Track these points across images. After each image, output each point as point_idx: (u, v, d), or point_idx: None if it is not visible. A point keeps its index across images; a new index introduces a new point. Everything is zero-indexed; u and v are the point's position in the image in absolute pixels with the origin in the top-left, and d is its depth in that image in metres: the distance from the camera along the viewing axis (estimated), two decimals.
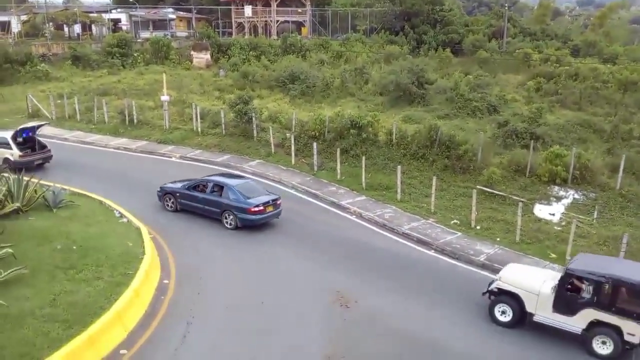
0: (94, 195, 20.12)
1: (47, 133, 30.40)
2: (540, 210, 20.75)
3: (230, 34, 67.66)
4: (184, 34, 67.40)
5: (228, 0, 69.88)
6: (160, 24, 67.91)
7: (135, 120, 31.94)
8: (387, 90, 38.00)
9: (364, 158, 23.27)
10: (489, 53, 52.39)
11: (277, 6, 66.27)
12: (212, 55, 52.73)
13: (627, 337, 12.01)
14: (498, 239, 18.23)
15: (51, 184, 19.55)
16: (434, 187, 20.55)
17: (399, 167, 22.00)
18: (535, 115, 29.71)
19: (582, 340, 12.49)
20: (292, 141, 26.05)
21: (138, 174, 24.18)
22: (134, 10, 68.59)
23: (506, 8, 65.76)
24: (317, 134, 26.94)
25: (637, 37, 71.57)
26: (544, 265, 16.29)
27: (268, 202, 18.74)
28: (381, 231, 18.95)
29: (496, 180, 22.29)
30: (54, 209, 17.77)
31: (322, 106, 35.34)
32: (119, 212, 18.53)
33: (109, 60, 49.00)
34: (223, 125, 29.75)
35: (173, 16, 70.12)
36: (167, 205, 20.05)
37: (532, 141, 25.05)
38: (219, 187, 19.16)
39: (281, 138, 27.85)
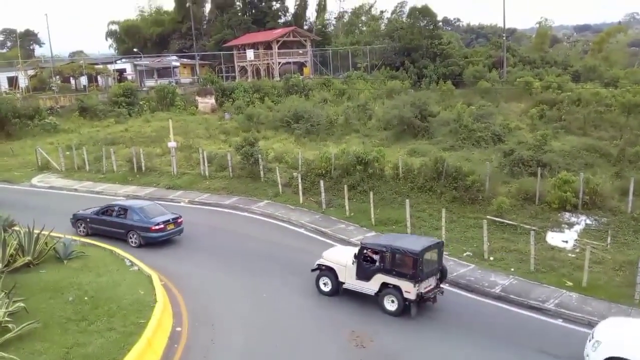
0: (104, 245, 20.16)
1: (57, 185, 30.75)
2: (553, 238, 20.54)
3: (234, 77, 68.85)
4: (188, 80, 68.67)
5: (230, 45, 71.38)
6: (164, 72, 69.26)
7: (143, 168, 32.25)
8: (390, 125, 38.30)
9: (371, 193, 23.26)
10: (490, 83, 52.89)
11: (279, 48, 67.57)
12: (216, 100, 53.54)
13: (405, 295, 14.97)
14: (512, 269, 18.00)
15: (61, 235, 19.64)
16: (443, 220, 20.44)
17: (407, 201, 21.95)
18: (541, 142, 29.75)
19: (372, 299, 15.55)
20: (299, 180, 26.15)
21: None
22: (138, 60, 70.12)
23: (504, 38, 66.70)
24: (323, 171, 27.06)
25: (637, 59, 72.10)
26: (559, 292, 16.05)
27: (168, 220, 20.92)
28: None
29: (506, 209, 22.17)
30: (64, 260, 17.77)
31: (327, 144, 35.61)
32: (129, 261, 18.51)
33: (115, 109, 49.79)
34: (230, 168, 29.97)
35: (177, 63, 71.56)
36: (80, 230, 22.05)
37: (539, 168, 24.99)
38: (124, 210, 21.34)
39: (288, 177, 27.98)
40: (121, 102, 50.61)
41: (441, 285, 15.92)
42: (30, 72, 65.73)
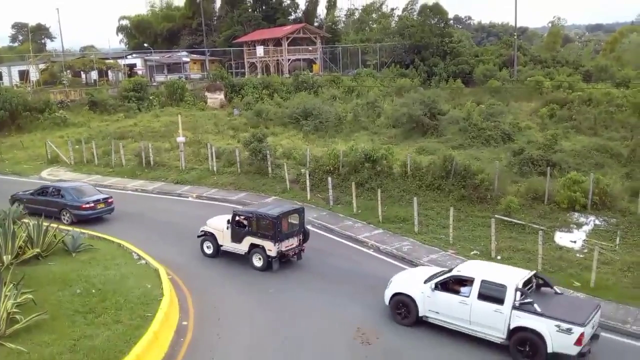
0: (112, 238, 20.27)
1: (66, 178, 30.92)
2: (561, 238, 20.39)
3: (243, 74, 68.95)
4: (198, 75, 68.84)
5: (240, 41, 71.44)
6: (174, 67, 69.49)
7: (152, 162, 32.38)
8: (399, 123, 38.20)
9: (379, 191, 23.21)
10: (500, 82, 52.60)
11: (289, 45, 67.56)
12: (225, 96, 53.64)
13: (268, 252, 17.89)
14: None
15: (70, 228, 19.75)
16: (451, 218, 20.37)
17: (415, 199, 21.88)
18: (551, 142, 29.55)
19: (244, 258, 18.48)
20: (307, 177, 26.14)
21: (155, 215, 24.36)
22: (148, 55, 70.38)
23: (515, 37, 66.28)
24: (331, 168, 27.03)
25: None
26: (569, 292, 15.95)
27: (99, 200, 23.20)
28: (400, 264, 18.72)
29: (514, 209, 22.04)
30: (73, 253, 17.89)
31: (335, 141, 35.58)
32: (137, 254, 18.60)
33: (125, 104, 50.07)
34: (238, 164, 30.02)
35: (187, 59, 71.76)
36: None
37: (549, 168, 24.82)
38: (57, 191, 23.49)
39: (296, 174, 27.98)
40: (131, 96, 50.85)
41: (303, 245, 18.91)
42: (42, 66, 66.16)
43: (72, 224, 22.20)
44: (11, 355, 11.57)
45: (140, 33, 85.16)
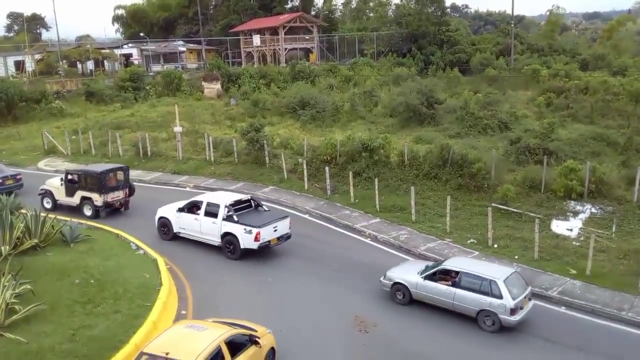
0: (110, 229, 20.30)
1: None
2: (558, 226, 20.52)
3: (240, 63, 68.67)
4: (194, 65, 68.54)
5: (237, 30, 71.08)
6: (170, 57, 69.13)
7: (149, 153, 32.33)
8: (397, 112, 38.17)
9: (376, 180, 23.25)
10: (497, 71, 52.52)
11: (285, 34, 67.26)
12: (222, 85, 53.44)
13: (96, 203, 21.90)
14: (516, 257, 18.02)
15: (67, 218, 19.78)
16: (448, 207, 20.44)
17: (412, 188, 21.94)
18: (547, 131, 29.60)
19: (79, 209, 22.10)
20: (305, 166, 26.15)
21: (153, 205, 24.29)
22: (145, 44, 69.96)
23: (512, 25, 66.11)
24: (329, 158, 27.03)
25: None
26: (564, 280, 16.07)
27: (7, 176, 25.22)
28: (397, 253, 18.83)
29: (511, 197, 22.13)
30: (71, 243, 17.93)
31: (332, 130, 35.55)
32: (135, 245, 18.64)
33: (121, 94, 49.82)
34: (235, 154, 30.01)
35: (183, 49, 71.39)
36: None
37: (546, 156, 24.90)
38: None
39: (293, 164, 27.99)
40: (127, 86, 50.62)
41: (129, 199, 22.96)
42: (37, 56, 65.75)
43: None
44: (11, 345, 11.65)
45: (136, 22, 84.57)
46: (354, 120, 38.98)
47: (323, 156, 27.27)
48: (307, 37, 69.75)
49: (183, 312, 14.54)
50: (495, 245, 18.88)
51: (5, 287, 12.93)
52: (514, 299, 13.50)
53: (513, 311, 13.41)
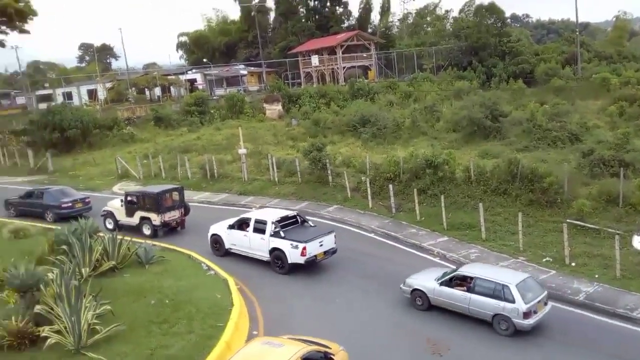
0: (182, 250, 20.90)
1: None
2: None
3: (300, 83, 69.64)
4: (255, 87, 70.11)
5: (295, 52, 72.31)
6: (233, 81, 71.05)
7: (215, 174, 33.19)
8: (460, 127, 37.52)
9: (442, 197, 22.81)
10: (564, 80, 50.71)
11: (343, 53, 67.75)
12: (283, 106, 54.33)
13: (154, 222, 22.83)
14: (596, 276, 17.12)
15: (142, 240, 20.51)
16: (520, 224, 19.75)
17: (480, 204, 21.37)
18: (622, 141, 28.16)
19: (138, 229, 23.29)
20: (368, 184, 26.06)
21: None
22: (208, 69, 72.32)
23: (578, 33, 63.83)
24: (392, 175, 26.81)
25: None
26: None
27: (76, 200, 26.82)
28: None
29: (587, 212, 21.12)
30: (146, 265, 18.54)
31: (394, 147, 35.33)
32: (206, 265, 19.08)
33: (188, 118, 51.59)
34: (299, 173, 30.31)
35: (244, 72, 73.25)
36: (10, 212, 27.55)
37: (622, 168, 23.65)
38: (41, 193, 27.01)
39: (356, 182, 27.94)
40: (193, 111, 52.36)
41: (184, 218, 24.04)
42: (108, 85, 69.28)
43: (55, 221, 25.36)
44: None
45: (198, 48, 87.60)
46: (416, 136, 38.60)
47: (386, 174, 27.08)
48: (364, 55, 69.97)
49: (254, 332, 14.66)
50: (573, 264, 18.03)
51: (87, 308, 13.46)
52: (526, 303, 13.67)
53: (526, 315, 13.63)
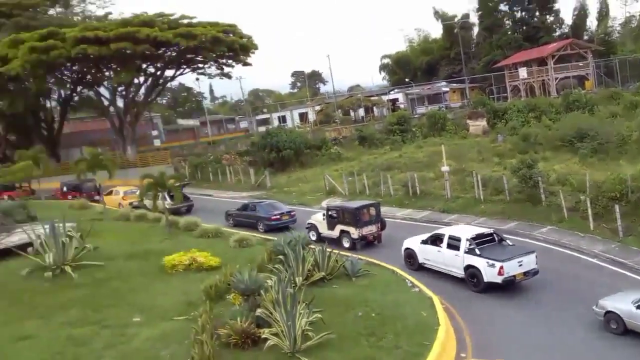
0: (386, 265, 21.14)
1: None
2: None
3: (505, 98, 66.53)
4: (458, 104, 68.92)
5: (500, 65, 69.38)
6: (434, 98, 70.84)
7: (417, 192, 33.14)
8: None
9: None
10: None
11: (555, 63, 63.03)
12: (488, 122, 52.29)
13: (352, 236, 24.07)
14: None
15: (349, 254, 21.27)
16: None
17: None
18: None
19: (338, 242, 24.10)
20: (589, 205, 23.52)
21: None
22: (409, 88, 73.15)
23: None
24: (618, 195, 23.83)
25: None
26: None
27: (283, 212, 29.20)
28: None
29: None
30: (352, 277, 19.10)
31: (620, 163, 31.47)
32: (410, 282, 19.00)
33: (390, 137, 52.74)
34: (506, 192, 28.70)
35: (446, 89, 72.55)
36: (229, 222, 30.31)
37: None
38: (255, 206, 29.95)
39: (574, 202, 25.43)
40: (395, 130, 53.40)
41: (381, 232, 24.82)
42: (317, 108, 74.25)
43: (265, 232, 27.75)
44: None
45: (400, 68, 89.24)
46: None
47: (610, 193, 24.16)
48: (580, 64, 64.18)
49: (462, 354, 14.12)
50: None
51: (301, 315, 14.26)
52: None
53: None
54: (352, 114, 73.44)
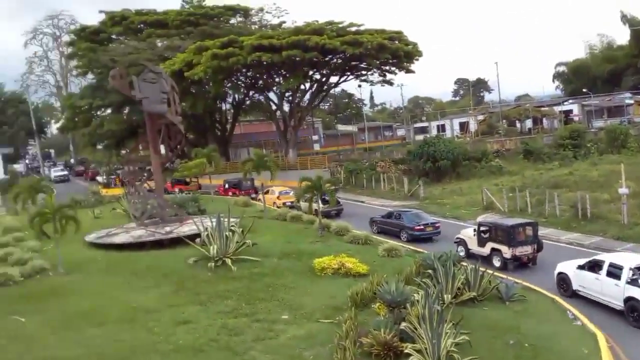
0: (545, 292, 19.56)
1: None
2: None
3: None
4: None
5: None
6: (615, 111, 64.28)
7: (588, 214, 30.15)
8: None
9: None
10: None
11: None
12: None
13: (504, 255, 23.12)
14: None
15: (504, 276, 20.04)
16: None
17: None
18: None
19: (488, 260, 23.23)
20: None
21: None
22: (586, 99, 67.17)
23: None
24: None
25: None
26: None
27: (427, 223, 28.86)
28: None
29: None
30: (506, 301, 17.96)
31: None
32: (572, 314, 17.33)
33: (560, 152, 49.18)
34: None
35: (630, 101, 65.28)
36: (373, 229, 30.47)
37: None
38: (399, 215, 29.80)
39: None
40: (567, 144, 49.74)
41: (536, 254, 23.21)
42: (480, 118, 71.45)
43: (407, 241, 27.65)
44: None
45: (577, 78, 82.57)
46: None
47: None
48: None
49: None
50: None
51: (447, 334, 13.69)
52: None
53: None
54: (518, 125, 69.43)
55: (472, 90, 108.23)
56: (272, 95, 64.79)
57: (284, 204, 37.73)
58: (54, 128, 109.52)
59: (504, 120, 67.93)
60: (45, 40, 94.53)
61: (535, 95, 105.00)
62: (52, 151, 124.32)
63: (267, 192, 39.73)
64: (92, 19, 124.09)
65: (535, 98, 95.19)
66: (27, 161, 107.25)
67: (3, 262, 20.10)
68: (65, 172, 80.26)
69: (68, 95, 79.50)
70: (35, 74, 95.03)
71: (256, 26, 71.69)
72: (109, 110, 69.26)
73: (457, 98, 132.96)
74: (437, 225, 29.28)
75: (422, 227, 28.60)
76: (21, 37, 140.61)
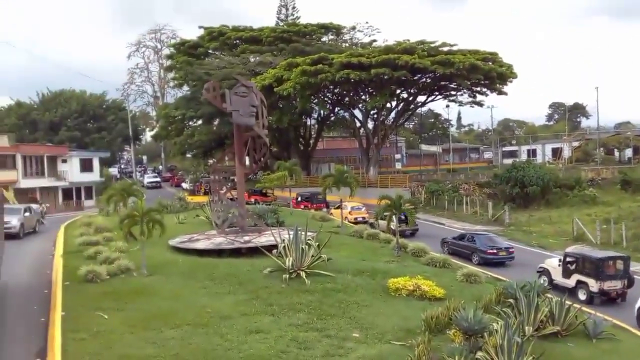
0: (636, 332, 18.10)
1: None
2: None
3: None
4: None
5: None
6: None
7: None
8: None
9: None
10: None
11: None
12: None
13: (591, 289, 22.20)
14: None
15: (592, 311, 18.73)
16: None
17: None
18: None
19: (572, 292, 22.28)
20: None
21: None
22: None
23: None
24: None
25: None
26: None
27: (501, 248, 28.64)
28: None
29: None
30: (593, 338, 16.73)
31: None
32: None
33: None
34: None
35: None
36: (444, 250, 30.03)
37: None
38: (472, 238, 29.78)
39: None
40: None
41: (626, 290, 22.26)
42: (575, 144, 67.86)
43: (478, 264, 27.31)
44: None
45: None
46: None
47: None
48: None
49: None
50: None
51: None
52: None
53: None
54: (616, 153, 65.30)
55: (567, 115, 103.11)
56: (357, 112, 65.16)
57: (355, 219, 37.88)
58: (148, 135, 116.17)
59: (602, 148, 64.12)
60: (147, 52, 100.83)
61: (637, 123, 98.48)
62: (144, 157, 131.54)
63: (339, 207, 39.86)
64: (192, 33, 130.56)
65: (637, 126, 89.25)
66: (121, 165, 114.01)
67: (92, 259, 21.21)
68: (158, 179, 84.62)
69: (164, 106, 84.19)
70: (135, 84, 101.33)
71: (347, 44, 72.55)
72: (200, 121, 72.50)
73: (551, 122, 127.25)
74: (511, 250, 29.16)
75: (494, 251, 28.46)
76: (125, 50, 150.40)
